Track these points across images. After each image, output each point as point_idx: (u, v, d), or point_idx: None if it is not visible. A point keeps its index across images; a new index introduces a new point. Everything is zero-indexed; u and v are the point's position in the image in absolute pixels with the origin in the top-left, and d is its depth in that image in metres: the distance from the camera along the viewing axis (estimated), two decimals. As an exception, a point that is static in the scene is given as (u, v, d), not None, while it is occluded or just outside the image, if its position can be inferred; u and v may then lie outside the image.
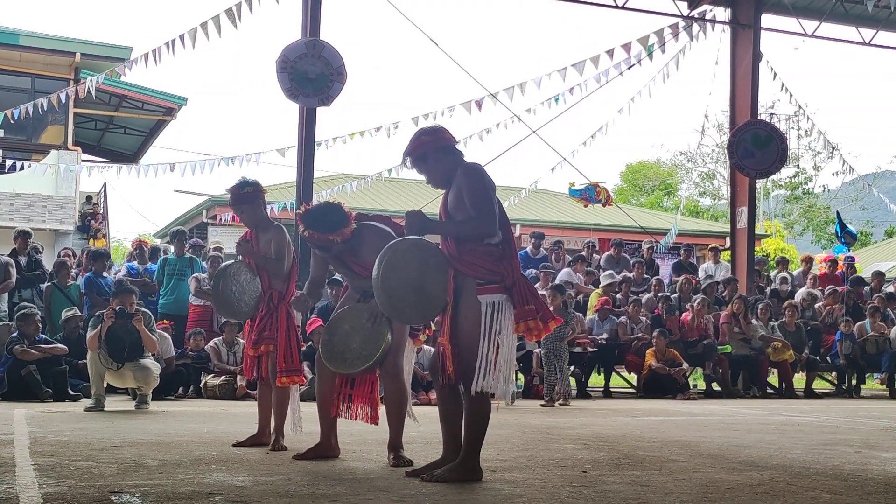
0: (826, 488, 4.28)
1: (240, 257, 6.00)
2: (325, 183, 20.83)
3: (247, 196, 5.79)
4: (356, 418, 5.12)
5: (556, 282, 13.49)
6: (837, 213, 19.77)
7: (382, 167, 17.03)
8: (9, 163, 18.93)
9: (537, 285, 12.84)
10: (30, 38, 20.39)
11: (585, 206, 17.90)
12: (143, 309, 9.19)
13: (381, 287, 4.36)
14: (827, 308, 14.28)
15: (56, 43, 20.49)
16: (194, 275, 11.64)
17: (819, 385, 14.21)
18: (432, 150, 4.46)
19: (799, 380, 13.86)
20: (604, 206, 17.66)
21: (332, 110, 13.24)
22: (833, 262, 16.30)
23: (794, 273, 16.03)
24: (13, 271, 11.28)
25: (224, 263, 6.14)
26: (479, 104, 14.74)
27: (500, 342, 4.21)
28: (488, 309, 4.21)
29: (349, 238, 4.93)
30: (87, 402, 8.50)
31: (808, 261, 16.28)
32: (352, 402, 5.11)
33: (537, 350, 11.34)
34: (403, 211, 4.52)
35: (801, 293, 14.72)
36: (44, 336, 9.97)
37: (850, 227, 19.51)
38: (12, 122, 14.92)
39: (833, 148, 20.96)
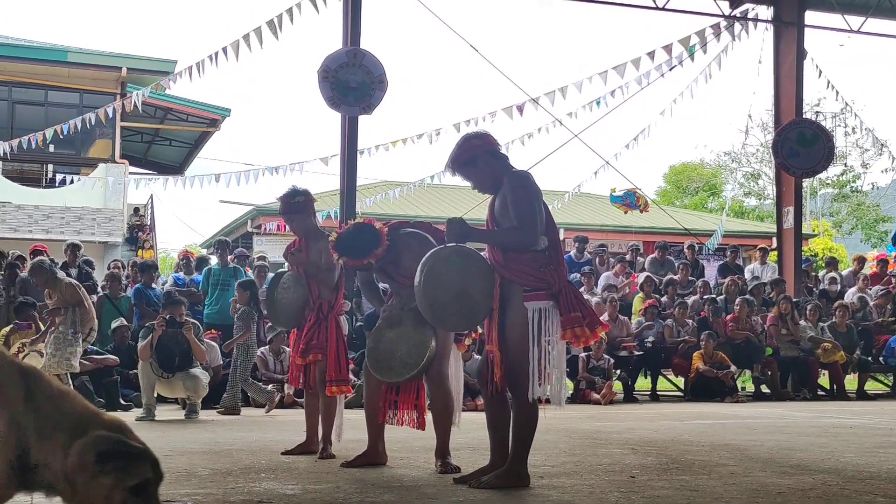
0: (881, 492, 4.21)
1: (286, 266, 6.02)
2: (368, 191, 20.93)
3: (298, 205, 5.80)
4: (402, 423, 5.13)
5: (599, 286, 13.46)
6: None
7: (425, 174, 17.13)
8: (59, 177, 19.32)
9: (581, 289, 12.80)
10: (78, 55, 20.84)
11: (626, 212, 18.11)
12: (192, 320, 9.31)
13: (423, 295, 4.37)
14: (879, 308, 14.03)
15: (103, 58, 20.92)
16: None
17: (872, 386, 13.95)
18: (482, 153, 4.47)
19: (851, 381, 13.63)
20: (641, 212, 17.97)
21: (373, 118, 13.27)
22: (883, 262, 16.01)
23: (844, 273, 15.76)
24: (65, 284, 11.46)
25: (278, 271, 6.16)
26: (520, 109, 14.74)
27: (549, 348, 4.22)
28: (535, 315, 4.21)
29: (386, 253, 4.94)
30: (139, 412, 8.64)
31: (861, 261, 15.99)
32: (398, 409, 5.13)
33: (582, 354, 11.30)
34: (446, 217, 4.52)
35: (850, 293, 14.47)
36: (94, 347, 10.13)
37: None
38: (62, 137, 15.25)
39: (882, 145, 20.61)
